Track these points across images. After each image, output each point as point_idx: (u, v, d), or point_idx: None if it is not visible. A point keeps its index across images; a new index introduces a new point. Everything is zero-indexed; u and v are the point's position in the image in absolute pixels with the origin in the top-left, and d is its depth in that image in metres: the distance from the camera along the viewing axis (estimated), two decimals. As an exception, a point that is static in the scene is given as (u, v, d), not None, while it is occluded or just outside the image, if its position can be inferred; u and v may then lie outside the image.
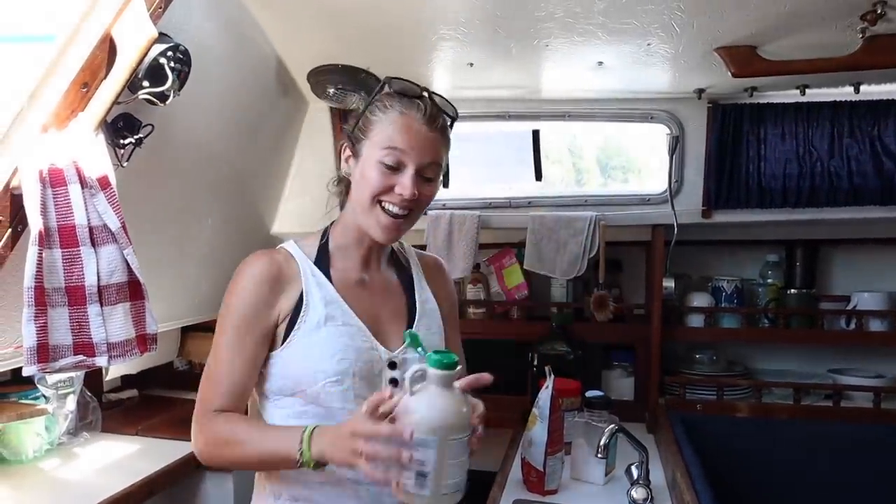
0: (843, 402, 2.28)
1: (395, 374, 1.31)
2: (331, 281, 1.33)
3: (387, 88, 1.30)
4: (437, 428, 1.06)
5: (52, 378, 2.02)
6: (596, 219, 2.27)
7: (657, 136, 2.34)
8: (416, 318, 1.39)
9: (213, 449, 1.28)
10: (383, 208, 1.27)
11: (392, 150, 1.25)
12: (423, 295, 1.43)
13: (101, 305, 1.46)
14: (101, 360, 1.47)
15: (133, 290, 1.50)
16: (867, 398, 2.25)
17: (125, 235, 1.47)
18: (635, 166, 2.86)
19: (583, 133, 2.78)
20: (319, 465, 1.16)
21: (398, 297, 1.42)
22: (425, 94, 1.30)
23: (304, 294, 1.30)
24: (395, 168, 1.25)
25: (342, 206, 1.44)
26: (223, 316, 1.30)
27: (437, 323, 1.43)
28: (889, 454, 2.11)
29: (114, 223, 1.46)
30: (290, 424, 1.29)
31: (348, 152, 1.34)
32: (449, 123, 1.33)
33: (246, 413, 1.33)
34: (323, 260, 1.36)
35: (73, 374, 2.04)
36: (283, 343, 1.29)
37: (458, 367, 1.10)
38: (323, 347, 1.27)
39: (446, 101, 1.33)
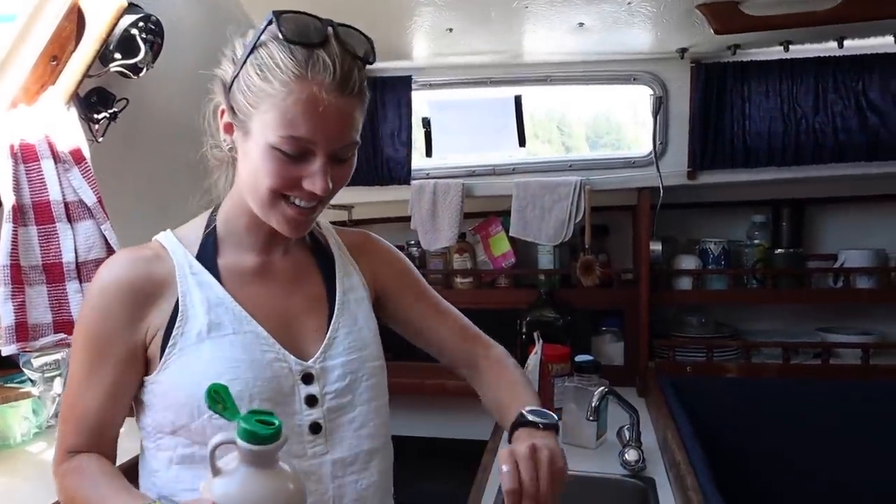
0: (832, 360, 2.28)
1: (313, 389, 1.02)
2: (218, 277, 1.02)
3: (274, 31, 0.92)
4: None
5: (37, 361, 2.00)
6: (581, 183, 2.26)
7: (645, 109, 2.33)
8: (335, 313, 1.08)
9: (64, 500, 1.01)
10: (288, 201, 0.97)
11: (292, 139, 0.92)
12: (347, 282, 1.13)
13: (80, 282, 1.44)
14: (81, 337, 1.46)
15: (112, 267, 1.49)
16: (855, 355, 2.26)
17: (102, 211, 1.45)
18: (625, 143, 2.86)
19: (571, 109, 2.78)
20: None
21: (314, 283, 1.11)
22: (330, 35, 0.93)
23: (179, 300, 0.99)
24: (299, 157, 0.94)
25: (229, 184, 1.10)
26: (76, 338, 1.02)
27: (365, 318, 1.11)
28: (877, 410, 2.12)
29: (89, 198, 1.43)
30: (174, 473, 1.01)
31: (228, 119, 0.99)
32: (365, 69, 0.97)
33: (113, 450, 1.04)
34: (207, 251, 1.04)
35: (58, 356, 2.02)
36: (158, 367, 0.99)
37: (280, 440, 0.80)
38: (205, 367, 0.96)
39: (358, 33, 0.97)
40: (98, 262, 1.44)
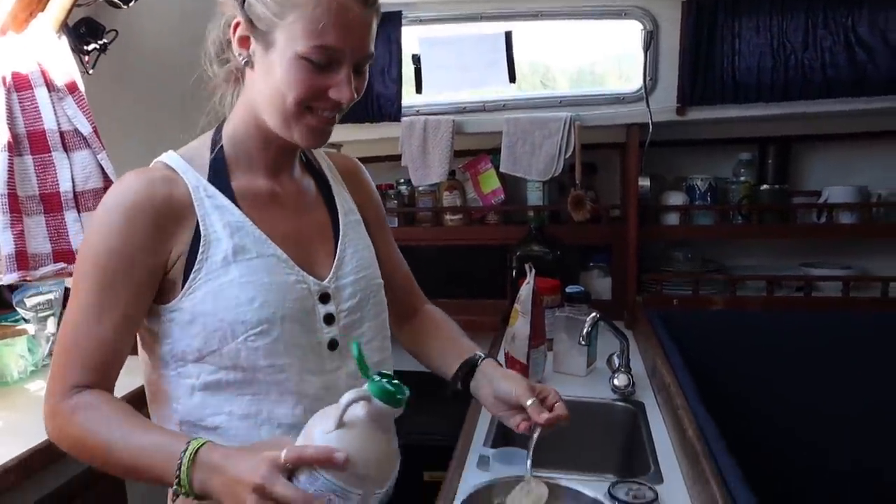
0: (814, 293, 2.34)
1: (330, 308, 1.05)
2: (234, 200, 1.02)
3: None
4: (366, 478, 0.80)
5: (30, 301, 2.00)
6: (571, 119, 2.26)
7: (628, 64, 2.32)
8: (341, 235, 1.11)
9: (70, 445, 0.96)
10: (312, 112, 0.99)
11: (322, 49, 0.93)
12: (346, 206, 1.16)
13: (79, 212, 1.44)
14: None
15: (109, 197, 1.49)
16: (836, 288, 2.31)
17: (98, 140, 1.45)
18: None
19: (555, 62, 2.76)
20: (203, 498, 0.86)
21: (317, 206, 1.14)
22: None
23: (200, 224, 0.98)
24: (326, 67, 0.95)
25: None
26: (84, 265, 0.97)
27: (364, 239, 1.16)
28: (855, 340, 2.18)
29: (85, 127, 1.43)
30: (198, 399, 1.00)
31: (245, 32, 0.98)
32: None
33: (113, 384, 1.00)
34: (219, 174, 1.03)
35: (51, 296, 2.02)
36: (180, 293, 0.98)
37: (403, 406, 0.84)
38: (237, 291, 0.97)
39: None
40: (96, 192, 1.44)
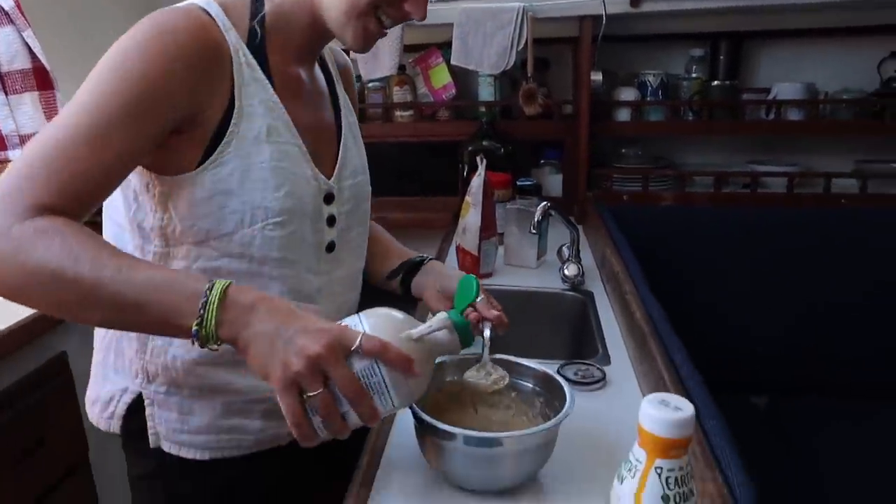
0: (760, 189, 2.37)
1: (332, 209, 1.01)
2: (269, 77, 0.93)
3: None
4: (409, 395, 0.81)
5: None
6: (524, 9, 2.20)
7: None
8: (343, 135, 1.07)
9: (26, 281, 0.75)
10: (375, 15, 0.93)
11: None
12: (346, 106, 1.12)
13: (6, 94, 1.36)
14: (13, 154, 1.39)
15: (40, 79, 1.40)
16: (781, 185, 2.35)
17: (21, 16, 1.35)
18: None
19: None
20: (219, 342, 0.75)
21: (326, 103, 1.08)
22: None
23: (236, 92, 0.89)
24: None
25: None
26: (103, 76, 0.81)
27: (359, 143, 1.13)
28: (798, 234, 2.24)
29: (6, 1, 1.33)
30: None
31: None
32: None
33: None
34: (257, 44, 0.93)
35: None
36: (201, 165, 0.87)
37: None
38: (267, 175, 0.89)
39: None
40: (24, 73, 1.35)
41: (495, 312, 1.01)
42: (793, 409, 2.15)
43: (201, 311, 0.73)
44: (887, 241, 2.20)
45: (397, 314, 0.83)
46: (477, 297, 0.94)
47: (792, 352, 2.22)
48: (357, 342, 0.75)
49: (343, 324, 0.79)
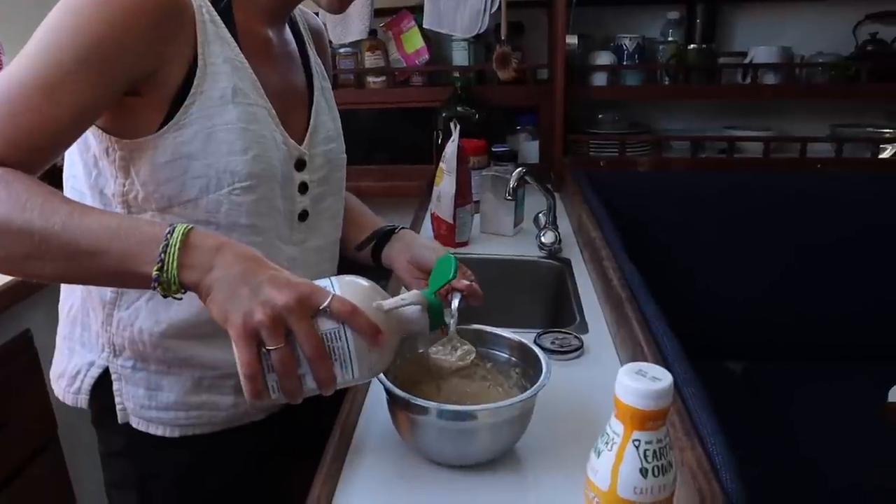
0: (736, 154, 2.36)
1: (304, 176, 0.98)
2: (236, 38, 0.89)
3: None
4: (370, 368, 0.77)
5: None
6: (497, -29, 2.15)
7: None
8: (315, 100, 1.03)
9: None
10: None
11: None
12: (319, 70, 1.07)
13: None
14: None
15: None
16: (758, 150, 2.34)
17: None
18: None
19: None
20: (182, 289, 0.71)
21: (297, 69, 1.03)
22: None
23: (199, 51, 0.84)
24: None
25: None
26: (58, 25, 0.76)
27: (333, 109, 1.09)
28: (774, 199, 2.23)
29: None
30: None
31: None
32: None
33: None
34: (225, 2, 0.88)
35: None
36: (163, 128, 0.83)
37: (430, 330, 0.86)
38: (234, 137, 0.85)
39: None
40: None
41: (465, 282, 0.97)
42: (769, 374, 2.16)
43: (161, 256, 0.69)
44: (862, 206, 2.19)
45: (370, 284, 0.80)
46: (454, 279, 0.90)
47: (768, 316, 2.23)
48: (327, 301, 0.71)
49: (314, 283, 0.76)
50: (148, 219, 0.85)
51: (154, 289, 0.70)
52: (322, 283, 0.76)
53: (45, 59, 0.75)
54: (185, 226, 0.71)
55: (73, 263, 0.72)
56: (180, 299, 0.73)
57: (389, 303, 0.79)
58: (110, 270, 0.72)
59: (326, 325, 0.72)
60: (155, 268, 0.69)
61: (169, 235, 0.70)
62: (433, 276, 0.94)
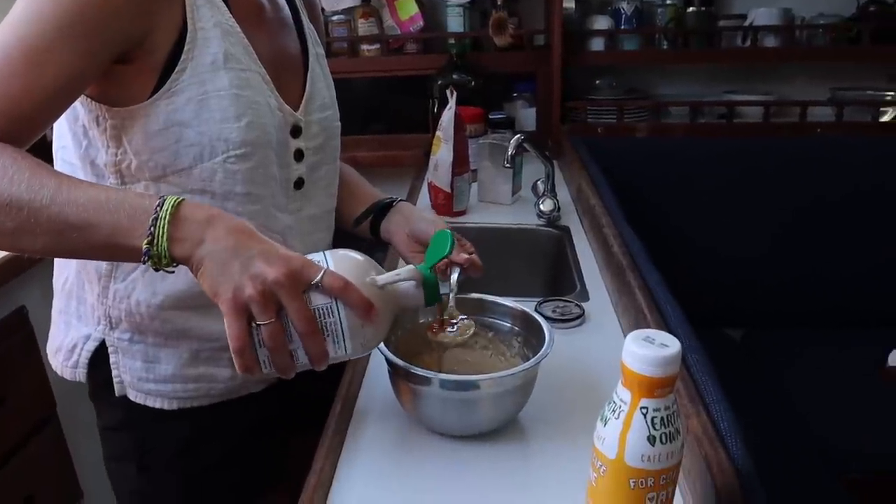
0: (735, 119, 2.34)
1: (300, 143, 0.95)
2: (226, 2, 0.87)
3: None
4: (364, 344, 0.76)
5: None
6: (493, -66, 2.11)
7: None
8: (310, 67, 1.00)
9: None
10: None
11: None
12: (312, 36, 1.04)
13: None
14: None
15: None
16: (758, 115, 2.31)
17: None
18: None
19: None
20: (174, 262, 0.70)
21: (291, 35, 1.00)
22: None
23: (188, 15, 0.81)
24: None
25: None
26: (42, 3, 0.74)
27: (328, 77, 1.06)
28: (774, 162, 2.21)
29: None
30: None
31: None
32: None
33: None
34: None
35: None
36: (154, 95, 0.81)
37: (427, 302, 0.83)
38: (226, 103, 0.83)
39: None
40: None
41: (465, 256, 0.95)
42: (768, 341, 2.16)
43: (151, 229, 0.68)
44: (862, 170, 2.17)
45: (364, 258, 0.78)
46: (450, 255, 0.88)
47: (767, 282, 2.21)
48: (319, 276, 0.70)
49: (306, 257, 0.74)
50: (138, 191, 0.83)
51: (145, 262, 0.69)
52: (315, 257, 0.75)
53: (28, 24, 0.73)
54: (174, 198, 0.70)
55: (63, 238, 0.71)
56: (172, 272, 0.72)
57: (384, 278, 0.77)
58: (100, 244, 0.71)
59: (318, 300, 0.71)
60: (145, 241, 0.68)
61: (158, 208, 0.68)
62: (429, 251, 0.92)
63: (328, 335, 0.72)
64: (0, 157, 0.70)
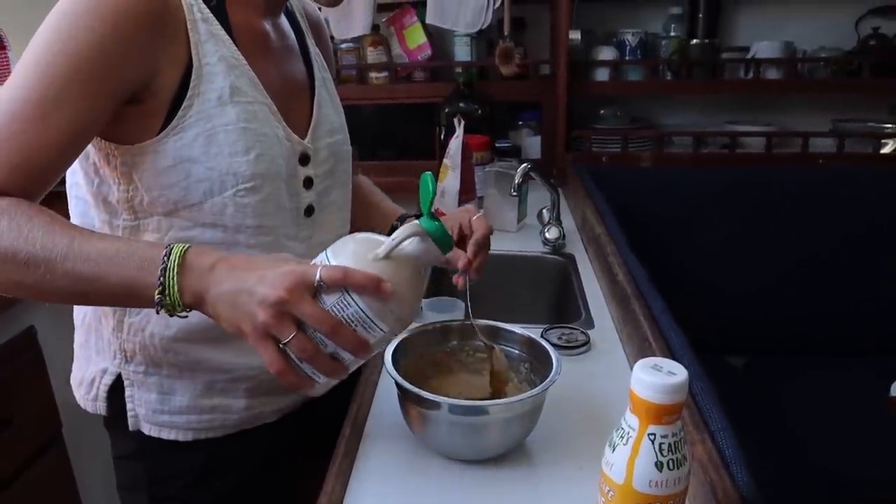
0: (738, 149, 2.36)
1: (309, 171, 0.96)
2: (230, 34, 0.87)
3: None
4: (398, 317, 0.75)
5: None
6: (500, -34, 2.15)
7: None
8: (317, 93, 1.01)
9: None
10: None
11: None
12: (318, 61, 1.05)
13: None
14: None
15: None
16: (760, 145, 2.34)
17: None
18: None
19: None
20: (187, 309, 0.74)
21: (297, 61, 1.01)
22: None
23: (193, 51, 0.82)
24: None
25: None
26: (45, 53, 0.75)
27: (335, 101, 1.07)
28: (776, 194, 2.23)
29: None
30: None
31: None
32: None
33: None
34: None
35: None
36: (163, 132, 0.82)
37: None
38: (234, 137, 0.84)
39: None
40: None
41: (464, 259, 0.98)
42: (771, 369, 2.16)
43: (161, 279, 0.71)
44: (863, 201, 2.19)
45: (363, 236, 0.77)
46: (435, 195, 0.82)
47: (769, 310, 2.23)
48: (317, 276, 0.70)
49: (311, 263, 0.75)
50: (147, 240, 0.85)
51: (158, 312, 0.73)
52: (318, 259, 0.76)
53: (37, 76, 0.75)
54: (181, 247, 0.73)
55: (79, 290, 0.74)
56: (186, 317, 0.74)
57: (384, 248, 0.74)
58: (117, 295, 0.75)
59: (331, 299, 0.71)
60: (157, 291, 0.71)
61: (166, 258, 0.71)
62: (420, 198, 0.85)
63: (356, 325, 0.72)
64: (17, 216, 0.73)
